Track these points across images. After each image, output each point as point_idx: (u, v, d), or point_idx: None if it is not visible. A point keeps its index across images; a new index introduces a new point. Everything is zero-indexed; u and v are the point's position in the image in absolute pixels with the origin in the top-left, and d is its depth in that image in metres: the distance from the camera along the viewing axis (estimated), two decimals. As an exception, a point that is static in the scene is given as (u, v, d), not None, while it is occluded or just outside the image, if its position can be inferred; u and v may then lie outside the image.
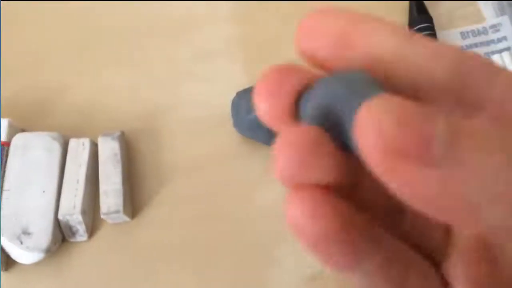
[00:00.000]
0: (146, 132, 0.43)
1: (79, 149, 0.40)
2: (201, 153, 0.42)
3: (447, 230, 0.14)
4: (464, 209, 0.10)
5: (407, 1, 0.44)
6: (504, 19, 0.43)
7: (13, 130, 0.41)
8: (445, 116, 0.10)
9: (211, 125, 0.42)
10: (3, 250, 0.37)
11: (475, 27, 0.43)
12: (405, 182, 0.11)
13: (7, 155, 0.40)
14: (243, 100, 0.40)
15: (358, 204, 0.13)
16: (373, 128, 0.10)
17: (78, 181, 0.39)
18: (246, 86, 0.41)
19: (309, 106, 0.13)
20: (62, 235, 0.39)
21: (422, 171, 0.10)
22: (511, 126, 0.11)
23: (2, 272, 0.38)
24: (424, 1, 0.44)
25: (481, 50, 0.43)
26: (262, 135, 0.39)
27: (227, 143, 0.42)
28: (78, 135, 0.41)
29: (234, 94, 0.41)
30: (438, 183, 0.10)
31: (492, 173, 0.10)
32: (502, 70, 0.12)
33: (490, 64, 0.12)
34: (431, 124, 0.10)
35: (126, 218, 0.39)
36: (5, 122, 0.41)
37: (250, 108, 0.39)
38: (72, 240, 0.39)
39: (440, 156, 0.10)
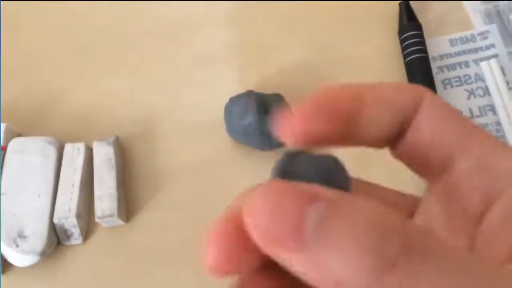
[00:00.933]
0: (141, 136, 0.43)
1: (74, 154, 0.41)
2: (195, 158, 0.42)
3: None
4: (339, 285, 0.11)
5: (397, 9, 0.45)
6: (492, 27, 0.44)
7: (10, 134, 0.42)
8: (319, 204, 0.11)
9: (205, 130, 0.43)
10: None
11: (463, 34, 0.44)
12: (287, 264, 0.12)
13: (3, 159, 0.40)
14: (236, 106, 0.40)
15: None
16: (250, 219, 0.12)
17: (73, 185, 0.40)
18: (239, 92, 0.42)
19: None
20: (57, 238, 0.39)
21: (295, 255, 0.11)
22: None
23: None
24: (413, 9, 0.44)
25: (469, 57, 0.43)
26: (254, 140, 0.40)
27: (220, 147, 0.42)
28: (74, 139, 0.42)
29: (227, 99, 0.42)
30: (309, 264, 0.11)
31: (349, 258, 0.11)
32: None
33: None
34: (301, 213, 0.11)
35: (121, 222, 0.39)
36: (2, 126, 0.41)
37: (242, 114, 0.40)
38: (67, 243, 0.39)
39: (310, 242, 0.11)
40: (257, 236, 0.12)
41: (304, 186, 0.12)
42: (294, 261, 0.12)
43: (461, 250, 0.12)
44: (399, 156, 0.17)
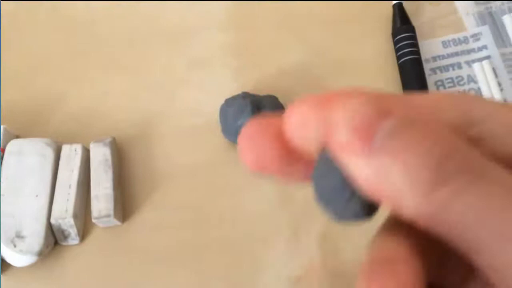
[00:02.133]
0: (137, 138, 0.44)
1: (71, 155, 0.41)
2: (191, 159, 0.43)
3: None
4: (393, 195, 0.12)
5: (391, 12, 0.45)
6: (485, 28, 0.45)
7: (8, 136, 0.42)
8: (388, 120, 0.12)
9: (200, 132, 0.44)
10: (-2, 253, 0.38)
11: (456, 36, 0.45)
12: (355, 169, 0.13)
13: (1, 161, 0.41)
14: (231, 107, 0.41)
15: None
16: (329, 128, 0.13)
17: (70, 186, 0.40)
18: (235, 93, 0.43)
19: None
20: (54, 238, 0.40)
21: (361, 159, 0.12)
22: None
23: (-4, 275, 0.39)
24: (407, 12, 0.45)
25: (462, 59, 0.44)
26: (249, 141, 0.41)
27: (216, 149, 0.43)
28: (71, 141, 0.42)
29: (223, 101, 0.42)
30: (373, 170, 0.12)
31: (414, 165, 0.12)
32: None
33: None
34: (375, 123, 0.12)
35: (117, 222, 0.40)
36: (0, 128, 0.42)
37: (237, 115, 0.40)
38: (64, 243, 0.40)
39: (378, 149, 0.12)
40: (331, 136, 0.13)
41: (380, 101, 0.13)
42: (359, 165, 0.12)
43: None
44: None
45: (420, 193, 0.12)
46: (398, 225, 0.15)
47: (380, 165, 0.12)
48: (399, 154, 0.12)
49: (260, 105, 0.41)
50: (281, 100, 0.42)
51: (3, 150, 0.41)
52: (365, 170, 0.12)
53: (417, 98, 0.14)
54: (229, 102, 0.42)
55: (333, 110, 0.13)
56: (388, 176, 0.12)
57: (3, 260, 0.38)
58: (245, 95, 0.41)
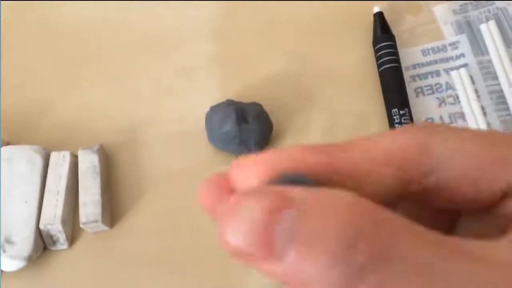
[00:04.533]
0: (125, 145, 0.45)
1: (59, 162, 0.42)
2: (178, 165, 0.44)
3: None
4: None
5: (372, 21, 0.47)
6: (463, 37, 0.46)
7: (-2, 143, 0.43)
8: (283, 219, 0.12)
9: (187, 139, 0.45)
10: (-13, 258, 0.39)
11: (435, 44, 0.46)
12: (267, 273, 0.12)
13: (-9, 168, 0.42)
14: (216, 115, 0.42)
15: None
16: (220, 235, 0.12)
17: (58, 192, 0.41)
18: (220, 101, 0.44)
19: None
20: (43, 243, 0.40)
21: (271, 265, 0.12)
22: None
23: (-15, 280, 0.40)
24: (387, 21, 0.46)
25: (440, 66, 0.45)
26: (234, 147, 0.42)
27: (202, 155, 0.44)
28: (60, 148, 0.43)
29: (209, 109, 0.43)
30: (285, 274, 0.12)
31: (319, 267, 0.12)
32: None
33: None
34: (270, 226, 0.12)
35: (105, 227, 0.41)
36: (-10, 136, 0.43)
37: (222, 122, 0.41)
38: (53, 248, 0.41)
39: (282, 254, 0.12)
40: (229, 251, 0.12)
41: (275, 192, 0.12)
42: (268, 269, 0.12)
43: (431, 245, 0.12)
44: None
45: None
46: None
47: (289, 266, 0.12)
48: (305, 255, 0.11)
49: (244, 112, 0.42)
50: (265, 107, 0.43)
51: (-7, 157, 0.42)
52: (276, 271, 0.12)
53: (353, 145, 0.14)
54: (214, 110, 0.43)
55: (223, 218, 0.12)
56: (301, 276, 0.12)
57: (-8, 265, 0.39)
58: (229, 103, 0.43)
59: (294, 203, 0.12)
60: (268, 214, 0.12)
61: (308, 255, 0.11)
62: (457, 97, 0.44)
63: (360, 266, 0.11)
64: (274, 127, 0.43)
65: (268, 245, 0.12)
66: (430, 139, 0.14)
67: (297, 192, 0.12)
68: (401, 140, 0.14)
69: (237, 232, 0.12)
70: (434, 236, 0.12)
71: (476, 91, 0.44)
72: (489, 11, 0.47)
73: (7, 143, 0.44)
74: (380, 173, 0.14)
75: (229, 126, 0.41)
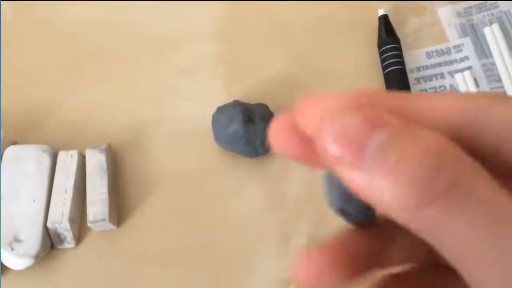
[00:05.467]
0: (132, 145, 0.45)
1: (67, 161, 0.43)
2: (184, 165, 0.44)
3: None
4: (384, 206, 0.13)
5: (377, 23, 0.47)
6: (467, 40, 0.47)
7: (6, 142, 0.43)
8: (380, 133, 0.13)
9: (193, 139, 0.45)
10: (-4, 256, 0.39)
11: (439, 47, 0.47)
12: (348, 180, 0.13)
13: (-1, 167, 0.42)
14: (222, 115, 0.42)
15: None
16: (322, 141, 0.13)
17: (66, 191, 0.41)
18: (226, 102, 0.44)
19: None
20: (51, 242, 0.41)
21: (353, 172, 0.13)
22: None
23: (-6, 277, 0.40)
24: (392, 23, 0.47)
25: (444, 69, 0.46)
26: (240, 147, 0.42)
27: (208, 155, 0.44)
28: (67, 147, 0.43)
29: (215, 109, 0.44)
30: (364, 182, 0.13)
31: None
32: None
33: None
34: (365, 136, 0.13)
35: (112, 226, 0.41)
36: (-2, 135, 0.43)
37: (229, 122, 0.42)
38: (60, 247, 0.41)
39: (369, 163, 0.12)
40: (322, 149, 0.13)
41: (371, 111, 0.13)
42: (351, 176, 0.13)
43: (505, 197, 0.12)
44: None
45: (407, 210, 0.12)
46: None
47: (371, 178, 0.12)
48: (388, 169, 0.12)
49: (250, 113, 0.42)
50: (271, 108, 0.44)
51: (1, 156, 0.42)
52: (358, 181, 0.13)
53: (421, 99, 0.14)
54: (221, 110, 0.43)
55: (325, 123, 0.13)
56: (379, 190, 0.12)
57: (1, 263, 0.39)
58: (236, 104, 0.43)
59: (388, 124, 0.13)
60: (364, 126, 0.13)
61: (390, 172, 0.12)
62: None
63: (435, 194, 0.12)
64: (280, 127, 0.44)
65: (358, 153, 0.12)
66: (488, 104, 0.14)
67: (390, 117, 0.13)
68: (461, 102, 0.14)
69: (334, 135, 0.13)
70: (507, 191, 0.12)
71: (480, 93, 0.44)
72: (492, 14, 0.47)
73: (14, 143, 0.45)
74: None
75: (236, 126, 0.41)
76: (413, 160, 0.12)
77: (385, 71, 0.45)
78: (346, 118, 0.13)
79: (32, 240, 0.39)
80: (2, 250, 0.38)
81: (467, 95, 0.15)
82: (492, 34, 0.46)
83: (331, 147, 0.13)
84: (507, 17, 0.47)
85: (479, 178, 0.12)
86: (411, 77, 0.45)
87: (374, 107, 0.13)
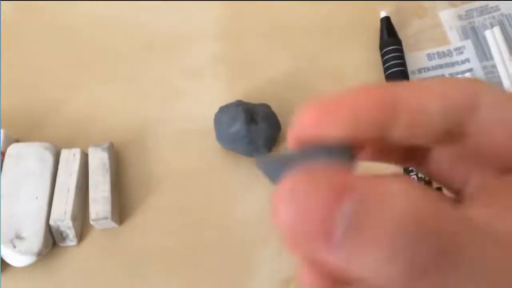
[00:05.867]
0: (134, 143, 0.45)
1: (70, 159, 0.43)
2: (186, 164, 0.44)
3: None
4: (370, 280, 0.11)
5: (379, 25, 0.48)
6: (468, 42, 0.47)
7: (8, 140, 0.44)
8: (346, 210, 0.11)
9: (195, 138, 0.45)
10: (-3, 253, 0.39)
11: (440, 49, 0.47)
12: (321, 256, 0.12)
13: (2, 164, 0.42)
14: (225, 115, 0.43)
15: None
16: (275, 214, 0.12)
17: (69, 189, 0.41)
18: (229, 101, 0.44)
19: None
20: (53, 239, 0.41)
21: (326, 255, 0.11)
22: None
23: (-4, 274, 0.40)
24: (394, 25, 0.47)
25: (446, 71, 0.46)
26: (242, 147, 0.42)
27: (210, 155, 0.44)
28: (70, 145, 0.44)
29: (217, 109, 0.44)
30: (342, 263, 0.11)
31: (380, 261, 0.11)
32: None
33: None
34: (330, 215, 0.11)
35: (114, 224, 0.41)
36: (1, 132, 0.43)
37: (231, 122, 0.42)
38: (62, 244, 0.41)
39: (341, 243, 0.11)
40: (285, 238, 0.11)
41: (331, 176, 0.11)
42: (326, 259, 0.11)
43: (501, 247, 0.11)
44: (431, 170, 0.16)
45: (400, 284, 0.11)
46: None
47: (349, 258, 0.11)
48: (366, 247, 0.11)
49: (253, 113, 0.42)
50: (273, 108, 0.44)
51: (3, 154, 0.43)
52: (330, 259, 0.11)
53: (417, 84, 0.14)
54: (223, 110, 0.43)
55: (279, 207, 0.12)
56: (359, 267, 0.11)
57: (2, 260, 0.40)
58: (238, 103, 0.43)
59: (356, 191, 0.11)
60: (330, 200, 0.11)
61: (367, 247, 0.11)
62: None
63: (424, 266, 0.11)
64: (282, 127, 0.44)
65: (327, 230, 0.11)
66: (481, 89, 0.14)
67: (360, 180, 0.11)
68: (454, 85, 0.14)
69: (298, 213, 0.11)
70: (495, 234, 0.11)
71: (480, 95, 0.44)
72: (493, 17, 0.48)
73: (17, 140, 0.45)
74: (430, 111, 0.13)
75: (238, 126, 0.41)
76: (393, 229, 0.11)
77: (387, 72, 0.45)
78: (303, 199, 0.11)
79: (34, 238, 0.39)
80: (4, 247, 0.39)
81: (460, 80, 0.14)
82: (493, 37, 0.46)
83: (295, 225, 0.11)
84: (508, 20, 0.47)
85: (469, 237, 0.11)
86: (413, 78, 0.46)
87: (334, 175, 0.12)
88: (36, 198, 0.41)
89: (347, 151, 0.14)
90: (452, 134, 0.14)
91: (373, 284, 0.11)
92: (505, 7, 0.48)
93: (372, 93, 0.14)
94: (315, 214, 0.11)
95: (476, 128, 0.14)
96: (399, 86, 0.14)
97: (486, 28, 0.47)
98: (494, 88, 0.14)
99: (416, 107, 0.13)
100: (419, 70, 0.46)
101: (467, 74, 0.45)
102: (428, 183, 0.40)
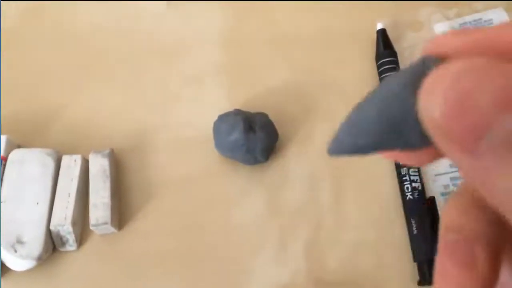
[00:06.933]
0: (134, 150, 0.46)
1: (71, 165, 0.43)
2: (185, 171, 0.45)
3: None
4: (496, 201, 0.11)
5: (374, 37, 0.49)
6: (461, 55, 0.48)
7: (10, 145, 0.44)
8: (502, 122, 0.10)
9: (194, 146, 0.46)
10: (-2, 257, 0.40)
11: (435, 61, 0.48)
12: (456, 162, 0.11)
13: (3, 169, 0.43)
14: (224, 123, 0.43)
15: None
16: (432, 106, 0.11)
17: (69, 195, 0.42)
18: (228, 110, 0.45)
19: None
20: (53, 244, 0.41)
21: (467, 158, 0.11)
22: None
23: (-4, 278, 0.41)
24: (390, 37, 0.48)
25: (440, 82, 0.47)
26: (240, 155, 0.43)
27: (208, 162, 0.45)
28: (71, 152, 0.44)
29: (216, 117, 0.45)
30: (476, 171, 0.11)
31: None
32: None
33: None
34: (488, 122, 0.10)
35: (114, 230, 0.42)
36: (3, 138, 0.44)
37: (230, 130, 0.43)
38: (62, 249, 0.42)
39: (483, 152, 0.10)
40: (433, 124, 0.11)
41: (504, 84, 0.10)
42: (464, 165, 0.11)
43: None
44: None
45: None
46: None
47: (483, 168, 0.11)
48: (508, 166, 0.10)
49: (251, 121, 0.43)
50: (271, 117, 0.45)
51: (5, 159, 0.43)
52: (467, 167, 0.11)
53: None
54: (222, 118, 0.44)
55: (442, 86, 0.11)
56: (492, 184, 0.11)
57: (3, 264, 0.40)
58: (237, 112, 0.44)
59: None
60: (491, 109, 0.10)
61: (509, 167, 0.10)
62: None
63: None
64: (280, 136, 0.45)
65: (475, 136, 0.10)
66: None
67: None
68: None
69: (453, 110, 0.11)
70: None
71: (473, 107, 0.45)
72: (487, 30, 0.49)
73: (18, 146, 0.46)
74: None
75: (237, 135, 0.42)
76: None
77: (383, 84, 0.46)
78: (472, 92, 0.10)
79: (35, 242, 0.40)
80: (5, 251, 0.39)
81: None
82: (486, 50, 0.47)
83: (448, 124, 0.11)
84: (500, 33, 0.48)
85: None
86: (408, 89, 0.47)
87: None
88: (37, 203, 0.41)
89: None
90: None
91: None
92: (498, 20, 0.49)
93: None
94: (475, 116, 0.10)
95: None
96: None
97: (479, 41, 0.48)
98: None
99: None
100: (414, 82, 0.47)
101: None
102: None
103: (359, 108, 0.14)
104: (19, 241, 0.40)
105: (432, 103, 0.11)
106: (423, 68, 0.12)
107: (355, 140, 0.13)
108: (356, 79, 0.48)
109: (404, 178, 0.42)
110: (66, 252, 0.42)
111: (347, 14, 0.51)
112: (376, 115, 0.13)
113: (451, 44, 0.13)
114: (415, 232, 0.39)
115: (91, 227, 0.41)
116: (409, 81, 0.12)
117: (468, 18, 0.50)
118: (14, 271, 0.40)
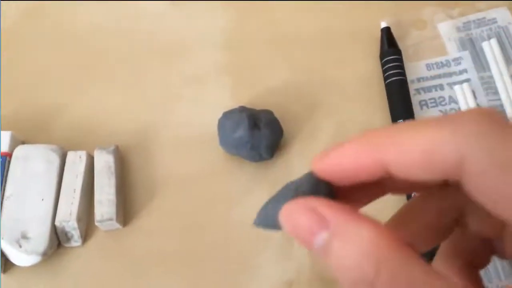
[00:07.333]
0: (139, 147, 0.46)
1: (76, 161, 0.43)
2: (189, 168, 0.45)
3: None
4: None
5: (379, 35, 0.49)
6: (465, 53, 0.48)
7: (15, 142, 0.44)
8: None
9: (199, 143, 0.46)
10: (2, 253, 0.40)
11: (439, 59, 0.48)
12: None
13: (9, 165, 0.43)
14: (228, 120, 0.43)
15: None
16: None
17: (74, 191, 0.42)
18: (233, 107, 0.45)
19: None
20: (58, 240, 0.41)
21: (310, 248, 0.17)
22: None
23: (1, 274, 0.41)
24: (394, 36, 0.48)
25: (444, 81, 0.47)
26: (245, 152, 0.43)
27: (213, 159, 0.45)
28: (76, 148, 0.44)
29: (220, 115, 0.45)
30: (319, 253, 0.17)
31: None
32: None
33: None
34: (311, 235, 0.17)
35: (118, 226, 0.42)
36: (7, 134, 0.44)
37: (234, 127, 0.43)
38: (67, 245, 0.42)
39: (318, 252, 0.17)
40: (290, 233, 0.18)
41: (313, 209, 0.17)
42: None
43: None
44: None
45: None
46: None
47: (323, 257, 0.16)
48: (333, 263, 0.16)
49: (256, 118, 0.43)
50: (276, 114, 0.45)
51: (10, 155, 0.43)
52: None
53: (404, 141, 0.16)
54: (227, 115, 0.44)
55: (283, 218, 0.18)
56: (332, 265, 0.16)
57: (7, 260, 0.40)
58: (242, 109, 0.44)
59: (329, 225, 0.16)
60: (311, 227, 0.17)
61: (335, 266, 0.16)
62: (460, 110, 0.46)
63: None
64: (284, 133, 0.45)
65: (310, 242, 0.17)
66: (469, 147, 0.15)
67: (332, 214, 0.16)
68: (439, 140, 0.16)
69: (291, 229, 0.18)
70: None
71: (478, 105, 0.46)
72: (491, 29, 0.49)
73: (22, 142, 0.46)
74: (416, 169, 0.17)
75: (242, 132, 0.42)
76: (352, 258, 0.15)
77: (387, 82, 0.46)
78: (298, 219, 0.17)
79: (40, 238, 0.40)
80: (10, 247, 0.39)
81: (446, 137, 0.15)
82: (490, 49, 0.48)
83: (294, 233, 0.18)
84: (504, 32, 0.49)
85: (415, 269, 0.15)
86: (412, 87, 0.47)
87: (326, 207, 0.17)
88: (42, 199, 0.41)
89: (329, 188, 0.19)
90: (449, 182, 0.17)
91: None
92: (501, 20, 0.49)
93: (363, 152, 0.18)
94: (305, 231, 0.17)
95: (468, 188, 0.16)
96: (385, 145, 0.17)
97: (483, 39, 0.49)
98: (482, 146, 0.15)
99: (404, 165, 0.17)
100: (418, 80, 0.47)
101: (465, 84, 0.46)
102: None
103: (267, 205, 0.22)
104: (24, 237, 0.40)
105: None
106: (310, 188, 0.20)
107: (270, 224, 0.21)
108: (360, 77, 0.48)
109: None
110: (71, 248, 0.42)
111: (347, 14, 0.51)
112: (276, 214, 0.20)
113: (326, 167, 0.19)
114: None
115: (96, 223, 0.41)
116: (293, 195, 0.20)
117: (472, 17, 0.50)
118: (19, 266, 0.40)
